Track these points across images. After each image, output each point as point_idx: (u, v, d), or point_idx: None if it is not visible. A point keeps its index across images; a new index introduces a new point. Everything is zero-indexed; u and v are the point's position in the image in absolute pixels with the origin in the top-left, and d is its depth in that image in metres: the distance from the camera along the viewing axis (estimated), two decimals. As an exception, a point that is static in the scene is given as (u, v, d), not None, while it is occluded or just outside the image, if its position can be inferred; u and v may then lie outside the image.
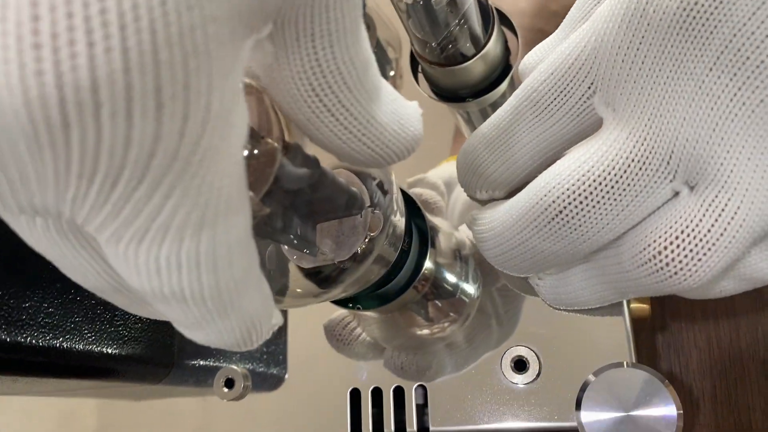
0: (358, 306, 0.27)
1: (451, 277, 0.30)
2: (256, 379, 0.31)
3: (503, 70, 0.30)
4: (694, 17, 0.17)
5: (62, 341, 0.26)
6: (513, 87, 0.30)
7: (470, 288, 0.31)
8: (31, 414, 0.34)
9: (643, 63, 0.18)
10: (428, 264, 0.28)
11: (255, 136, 0.17)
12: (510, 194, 0.23)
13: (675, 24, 0.17)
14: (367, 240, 0.24)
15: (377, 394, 0.30)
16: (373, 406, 0.30)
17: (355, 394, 0.30)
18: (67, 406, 0.34)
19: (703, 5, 0.17)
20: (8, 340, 0.24)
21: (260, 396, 0.31)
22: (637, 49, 0.18)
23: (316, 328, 0.32)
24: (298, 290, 0.23)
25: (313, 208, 0.19)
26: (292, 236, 0.20)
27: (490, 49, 0.28)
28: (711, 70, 0.17)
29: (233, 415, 0.31)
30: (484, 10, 0.27)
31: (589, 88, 0.19)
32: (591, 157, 0.19)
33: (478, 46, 0.27)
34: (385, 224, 0.24)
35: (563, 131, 0.21)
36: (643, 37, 0.18)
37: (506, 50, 0.30)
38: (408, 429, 0.29)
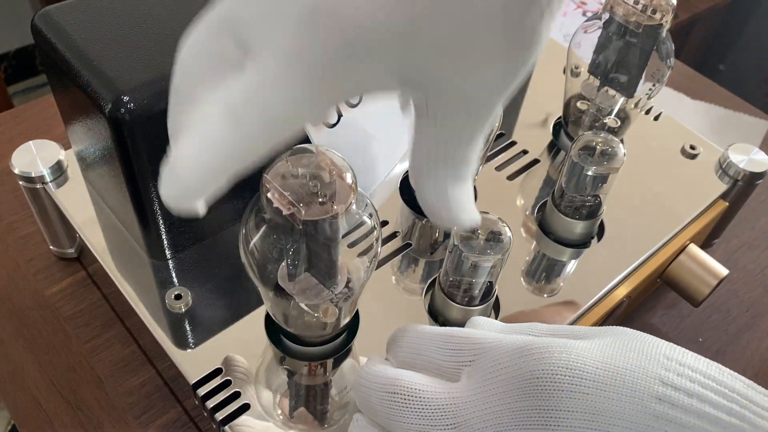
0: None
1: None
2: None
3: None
4: None
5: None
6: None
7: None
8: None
9: None
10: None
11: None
12: None
13: None
14: (317, 316, 0.36)
15: None
16: None
17: None
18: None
19: None
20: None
21: None
22: None
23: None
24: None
25: (313, 253, 0.32)
26: (290, 258, 0.33)
27: (477, 310, 0.41)
28: None
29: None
30: (489, 289, 0.40)
31: None
32: None
33: (473, 303, 0.41)
34: (340, 321, 0.36)
35: None
36: None
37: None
38: None
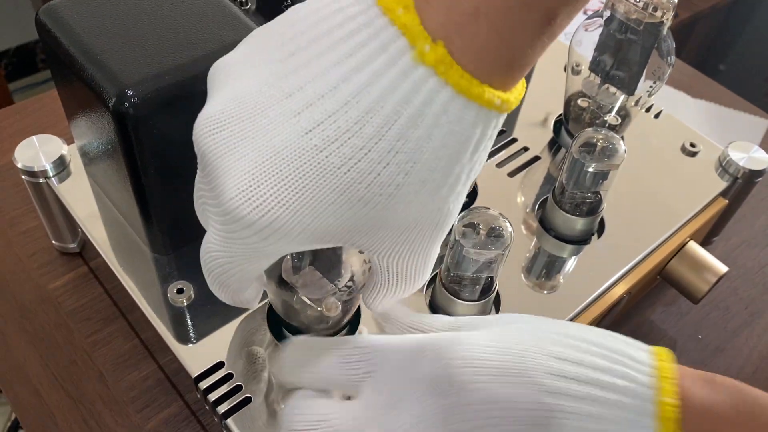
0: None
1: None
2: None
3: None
4: None
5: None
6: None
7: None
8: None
9: None
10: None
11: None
12: None
13: None
14: (320, 309, 0.37)
15: None
16: None
17: None
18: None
19: None
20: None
21: None
22: None
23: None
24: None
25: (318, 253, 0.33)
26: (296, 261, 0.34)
27: (478, 306, 0.41)
28: None
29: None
30: (490, 284, 0.40)
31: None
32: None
33: (473, 298, 0.41)
34: (342, 315, 0.37)
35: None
36: None
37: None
38: None
